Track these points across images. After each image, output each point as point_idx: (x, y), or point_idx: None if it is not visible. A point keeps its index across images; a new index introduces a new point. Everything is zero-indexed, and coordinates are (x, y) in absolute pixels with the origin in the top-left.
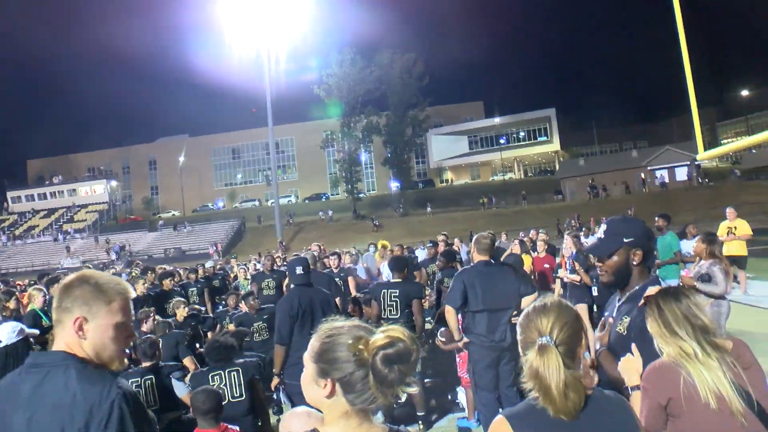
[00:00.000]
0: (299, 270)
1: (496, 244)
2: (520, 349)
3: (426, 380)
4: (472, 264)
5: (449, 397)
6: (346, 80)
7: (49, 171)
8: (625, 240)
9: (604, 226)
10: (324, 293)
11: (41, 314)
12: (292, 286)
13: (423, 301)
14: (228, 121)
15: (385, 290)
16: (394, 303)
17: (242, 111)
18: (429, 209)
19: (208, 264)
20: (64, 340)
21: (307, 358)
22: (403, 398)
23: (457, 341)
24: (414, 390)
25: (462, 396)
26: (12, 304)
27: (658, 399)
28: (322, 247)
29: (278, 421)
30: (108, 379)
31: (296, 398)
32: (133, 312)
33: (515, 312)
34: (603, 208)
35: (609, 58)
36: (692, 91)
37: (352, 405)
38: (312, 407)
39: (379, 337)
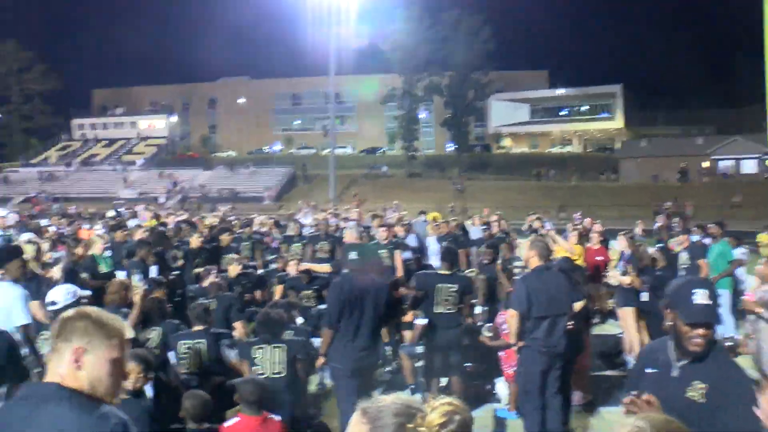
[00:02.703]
0: (353, 255)
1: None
2: None
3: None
4: (530, 268)
5: (487, 387)
6: (411, 37)
7: (113, 102)
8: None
9: (706, 291)
10: (376, 281)
11: (99, 260)
12: (345, 270)
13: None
14: (290, 66)
15: (441, 284)
16: (451, 298)
17: (305, 57)
18: (456, 185)
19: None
20: (58, 370)
21: None
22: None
23: (512, 345)
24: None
25: (501, 388)
26: (80, 251)
27: None
28: (361, 213)
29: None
30: (103, 407)
31: (338, 381)
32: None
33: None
34: (660, 194)
35: (684, 37)
36: None
37: None
38: None
39: (435, 416)
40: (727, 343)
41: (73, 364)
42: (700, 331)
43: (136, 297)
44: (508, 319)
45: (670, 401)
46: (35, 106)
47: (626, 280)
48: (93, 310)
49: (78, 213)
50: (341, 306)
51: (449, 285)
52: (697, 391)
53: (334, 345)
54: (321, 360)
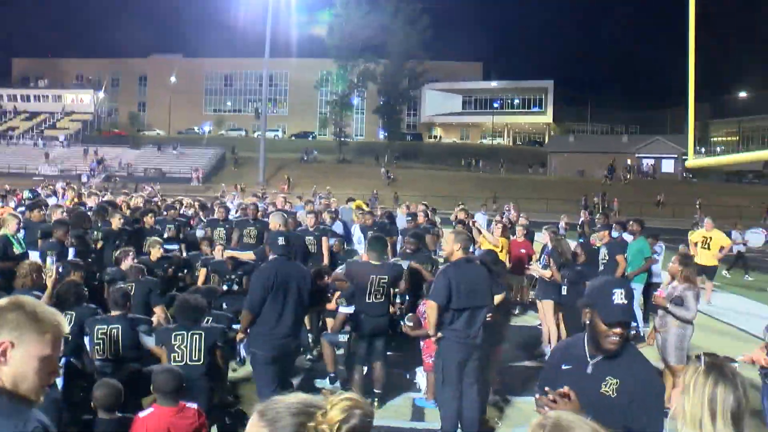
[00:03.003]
0: (281, 241)
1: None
2: None
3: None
4: (451, 260)
5: (407, 376)
6: (348, 22)
7: (35, 73)
8: None
9: (623, 291)
10: (302, 269)
11: (12, 240)
12: (271, 256)
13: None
14: (224, 47)
15: (374, 276)
16: (382, 288)
17: (239, 38)
18: (385, 173)
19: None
20: None
21: None
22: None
23: (431, 336)
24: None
25: (420, 377)
26: None
27: None
28: (287, 199)
29: (234, 370)
30: (24, 411)
31: (258, 367)
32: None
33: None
34: (586, 189)
35: (613, 38)
36: (692, 96)
37: None
38: None
39: (335, 412)
40: (632, 332)
41: None
42: (618, 330)
43: (49, 280)
44: (428, 310)
45: (585, 397)
46: None
47: (547, 273)
48: (28, 301)
49: None
50: (265, 291)
51: (382, 276)
52: (609, 386)
53: (256, 330)
54: (240, 335)
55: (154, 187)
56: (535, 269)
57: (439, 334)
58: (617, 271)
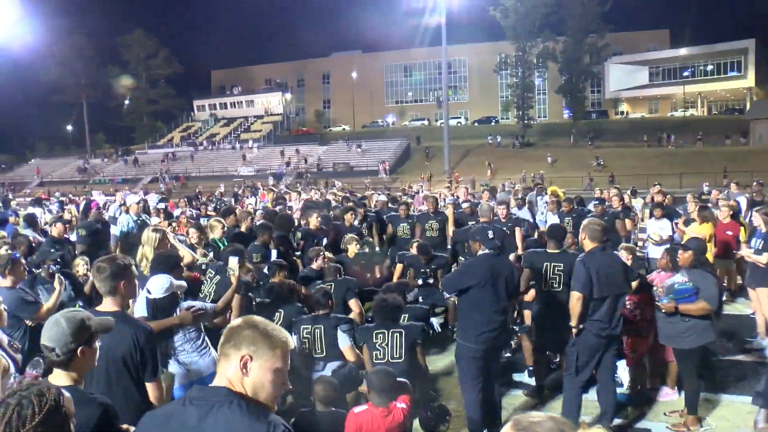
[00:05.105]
0: (491, 234)
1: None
2: None
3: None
4: (586, 251)
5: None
6: (523, 2)
7: (230, 82)
8: None
9: None
10: (509, 264)
11: (219, 244)
12: (481, 251)
13: None
14: (401, 39)
15: (548, 263)
16: (557, 277)
17: (416, 29)
18: (549, 160)
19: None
20: (226, 375)
21: None
22: None
23: (573, 327)
24: None
25: (623, 371)
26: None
27: None
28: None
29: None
30: (270, 415)
31: (464, 360)
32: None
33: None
34: None
35: None
36: None
37: None
38: None
39: None
40: None
41: (241, 371)
42: None
43: (233, 278)
44: (572, 302)
45: None
46: (160, 90)
47: (762, 259)
48: (260, 320)
49: (198, 194)
50: (469, 285)
51: (556, 263)
52: None
53: (464, 324)
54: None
55: (339, 184)
56: (747, 254)
57: (581, 327)
58: None
